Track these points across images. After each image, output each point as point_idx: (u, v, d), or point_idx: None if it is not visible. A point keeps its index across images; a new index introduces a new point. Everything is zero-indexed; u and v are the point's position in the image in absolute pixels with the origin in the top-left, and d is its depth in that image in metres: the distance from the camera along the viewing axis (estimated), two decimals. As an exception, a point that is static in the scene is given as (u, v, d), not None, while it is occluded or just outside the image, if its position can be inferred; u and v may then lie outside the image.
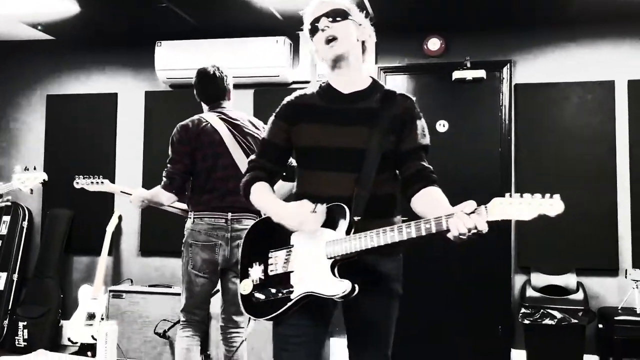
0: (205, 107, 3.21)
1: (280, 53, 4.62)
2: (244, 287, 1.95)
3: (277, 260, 1.90)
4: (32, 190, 3.25)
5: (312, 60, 4.76)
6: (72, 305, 4.88)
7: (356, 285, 1.73)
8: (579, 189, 4.32)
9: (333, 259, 1.77)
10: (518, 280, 4.41)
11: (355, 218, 1.79)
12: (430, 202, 1.82)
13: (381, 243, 1.70)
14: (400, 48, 4.68)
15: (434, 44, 4.60)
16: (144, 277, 4.94)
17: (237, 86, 4.80)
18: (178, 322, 4.22)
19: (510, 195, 1.54)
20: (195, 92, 3.21)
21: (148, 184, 4.04)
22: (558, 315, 3.94)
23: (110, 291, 4.53)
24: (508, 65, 4.51)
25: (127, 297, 4.46)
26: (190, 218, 3.01)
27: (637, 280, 3.97)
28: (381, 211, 1.87)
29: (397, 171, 1.97)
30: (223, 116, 3.09)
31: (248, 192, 2.00)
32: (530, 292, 4.16)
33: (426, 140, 1.96)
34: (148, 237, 5.01)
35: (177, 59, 4.76)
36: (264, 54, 4.64)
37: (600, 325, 4.08)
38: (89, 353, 4.31)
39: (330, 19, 1.91)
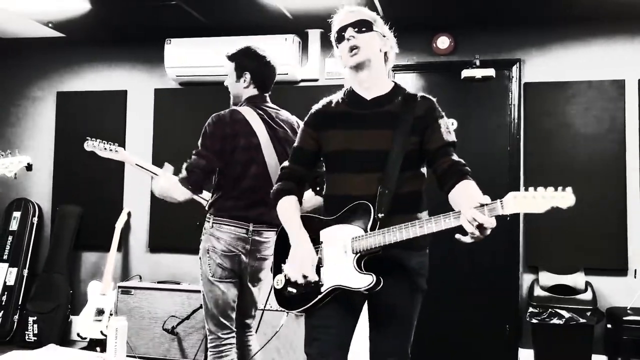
0: (244, 94, 2.83)
1: (289, 51, 4.63)
2: (277, 281, 2.08)
3: None
4: (16, 175, 3.10)
5: (320, 59, 4.77)
6: (81, 301, 4.92)
7: (381, 279, 1.86)
8: (589, 189, 4.30)
9: (358, 254, 1.91)
10: (526, 279, 4.39)
11: (379, 215, 1.91)
12: (463, 196, 1.87)
13: (403, 238, 1.83)
14: (409, 46, 4.67)
15: (443, 42, 4.59)
16: (152, 274, 4.97)
17: (246, 84, 4.86)
18: (187, 318, 4.28)
19: (526, 189, 1.62)
20: (250, 75, 2.80)
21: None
22: (566, 314, 3.93)
23: (119, 287, 4.55)
24: (517, 63, 4.49)
25: (135, 293, 4.49)
26: (209, 221, 2.73)
27: (646, 281, 3.96)
28: (405, 208, 1.97)
29: (426, 169, 2.08)
30: (266, 117, 2.78)
31: (277, 202, 2.15)
32: (538, 292, 4.15)
33: (452, 137, 2.05)
34: (157, 234, 5.04)
35: (187, 57, 4.78)
36: (273, 52, 4.62)
37: (609, 325, 4.06)
38: (98, 348, 4.35)
39: (356, 29, 2.03)
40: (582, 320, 3.90)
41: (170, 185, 2.68)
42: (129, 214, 5.06)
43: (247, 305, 2.89)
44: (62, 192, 5.22)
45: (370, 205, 1.92)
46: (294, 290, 2.03)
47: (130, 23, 4.82)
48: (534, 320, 4.00)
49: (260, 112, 2.77)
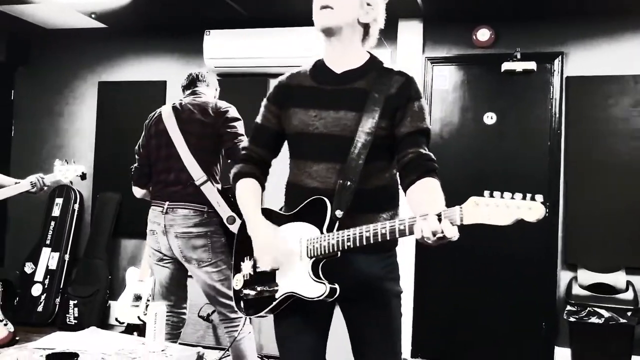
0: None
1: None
2: (236, 281, 1.90)
3: None
4: (71, 181, 3.44)
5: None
6: (119, 286, 5.03)
7: (337, 287, 1.65)
8: (631, 186, 4.19)
9: (314, 258, 1.68)
10: (564, 277, 4.31)
11: (338, 213, 1.67)
12: (420, 197, 1.64)
13: (357, 244, 1.58)
14: (449, 38, 4.61)
15: (483, 34, 4.52)
16: (188, 262, 5.04)
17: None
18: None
19: (491, 195, 1.37)
20: (183, 86, 3.30)
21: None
22: (605, 314, 3.84)
23: (157, 274, 4.63)
24: (560, 57, 4.39)
25: (172, 280, 4.56)
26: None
27: (691, 282, 3.84)
28: (370, 205, 1.72)
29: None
30: (176, 104, 3.07)
31: (235, 186, 1.92)
32: (576, 290, 4.07)
33: (425, 124, 1.76)
34: (193, 223, 5.10)
35: (226, 48, 4.82)
36: (312, 43, 4.65)
37: (650, 326, 3.96)
38: (135, 333, 4.44)
39: None
40: (622, 321, 3.81)
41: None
42: (166, 203, 5.13)
43: (207, 294, 3.03)
44: (102, 179, 5.34)
45: (328, 202, 1.66)
46: (251, 293, 1.81)
47: (170, 14, 4.89)
48: (572, 319, 3.92)
49: (179, 100, 3.09)
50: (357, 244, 1.58)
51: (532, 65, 4.32)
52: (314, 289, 1.65)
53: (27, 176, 3.45)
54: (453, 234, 1.41)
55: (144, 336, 2.49)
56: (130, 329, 4.56)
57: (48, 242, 5.28)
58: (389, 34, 4.59)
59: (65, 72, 5.58)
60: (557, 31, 4.42)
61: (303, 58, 4.99)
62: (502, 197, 1.36)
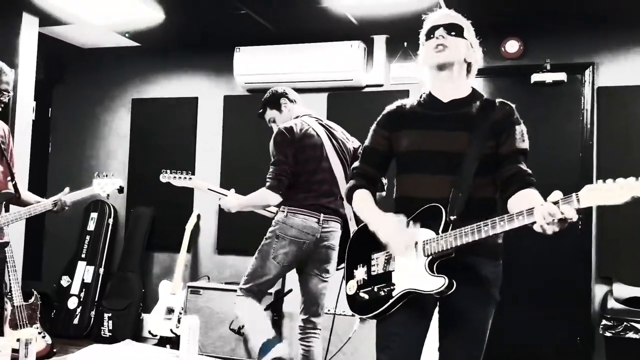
0: (297, 111, 3.34)
1: (354, 57, 4.66)
2: (350, 287, 2.08)
3: (378, 262, 2.02)
4: (108, 195, 3.49)
5: (385, 64, 4.77)
6: (152, 299, 5.11)
7: (453, 281, 1.82)
8: (668, 197, 4.10)
9: (430, 257, 1.87)
10: (598, 290, 4.23)
11: (451, 217, 1.87)
12: (526, 199, 1.85)
13: (475, 238, 1.77)
14: (477, 51, 4.60)
15: (512, 46, 4.50)
16: (220, 275, 5.11)
17: (311, 90, 4.93)
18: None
19: (604, 181, 1.56)
20: (288, 98, 3.37)
21: (225, 185, 4.17)
22: (642, 329, 3.75)
23: (189, 287, 4.70)
24: (590, 67, 4.35)
25: (204, 293, 4.62)
26: (283, 212, 3.09)
27: None
28: (478, 214, 1.88)
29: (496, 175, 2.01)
30: (322, 122, 3.27)
31: (350, 198, 2.15)
32: (612, 304, 3.98)
33: (524, 145, 2.01)
34: (225, 236, 5.17)
35: (255, 65, 4.90)
36: (339, 58, 4.71)
37: (690, 342, 3.85)
38: (168, 345, 4.50)
39: (447, 31, 2.03)
40: (660, 336, 3.72)
41: (260, 195, 3.12)
42: (198, 217, 5.22)
43: (312, 301, 3.15)
44: (135, 194, 5.45)
45: (442, 208, 1.89)
46: (366, 296, 2.01)
47: (201, 32, 4.99)
48: (608, 334, 3.84)
49: (314, 118, 3.26)
50: (476, 237, 1.77)
51: (562, 76, 4.29)
52: (433, 283, 1.84)
53: (63, 189, 3.51)
54: (572, 214, 1.63)
55: (177, 349, 2.53)
56: (163, 341, 4.62)
57: (83, 255, 5.40)
58: (417, 46, 4.60)
59: (100, 89, 5.73)
60: (588, 41, 4.38)
61: (329, 72, 5.04)
62: (614, 181, 1.57)
